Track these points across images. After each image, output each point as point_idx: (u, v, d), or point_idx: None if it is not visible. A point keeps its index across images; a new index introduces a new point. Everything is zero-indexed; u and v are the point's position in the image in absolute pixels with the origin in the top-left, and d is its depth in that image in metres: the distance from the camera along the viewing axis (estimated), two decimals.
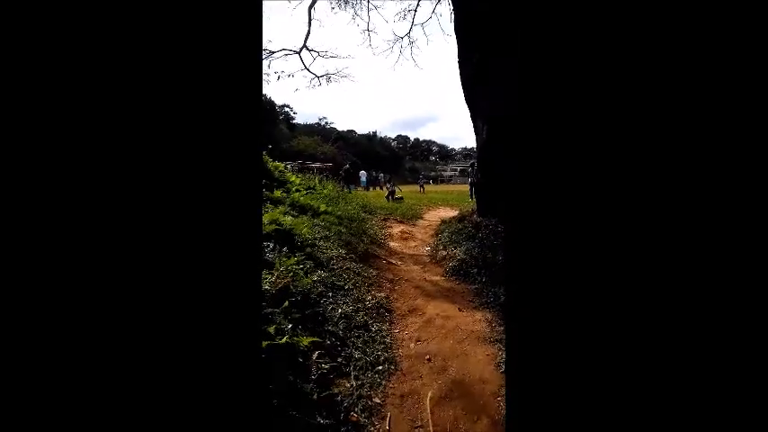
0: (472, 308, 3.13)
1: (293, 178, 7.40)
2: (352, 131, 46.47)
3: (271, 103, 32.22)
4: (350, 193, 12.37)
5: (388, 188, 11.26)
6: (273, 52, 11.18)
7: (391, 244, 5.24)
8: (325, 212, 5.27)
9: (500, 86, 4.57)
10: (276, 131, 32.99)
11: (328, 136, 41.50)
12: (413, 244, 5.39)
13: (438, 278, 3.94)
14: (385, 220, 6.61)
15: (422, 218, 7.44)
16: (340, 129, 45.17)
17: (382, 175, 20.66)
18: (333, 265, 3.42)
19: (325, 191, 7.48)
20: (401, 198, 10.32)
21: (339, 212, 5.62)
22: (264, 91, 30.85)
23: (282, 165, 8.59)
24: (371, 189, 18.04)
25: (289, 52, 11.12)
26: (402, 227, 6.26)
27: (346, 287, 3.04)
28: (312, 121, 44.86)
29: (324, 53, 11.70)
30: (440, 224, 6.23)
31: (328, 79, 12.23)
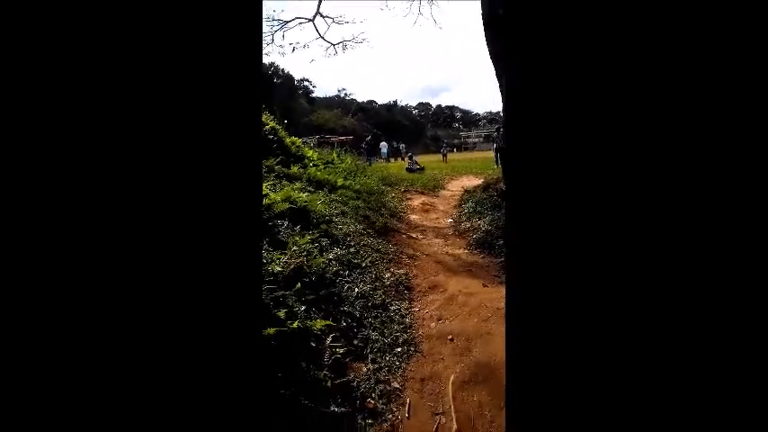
0: (498, 283, 2.93)
1: (310, 153, 7.25)
2: (372, 102, 45.46)
3: (289, 78, 31.74)
4: (370, 165, 12.14)
5: (408, 161, 10.89)
6: (287, 22, 10.78)
7: (412, 217, 5.05)
8: (343, 186, 5.11)
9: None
10: (295, 106, 32.71)
11: (348, 108, 40.89)
12: (434, 216, 5.18)
13: (461, 251, 3.74)
14: (406, 191, 6.39)
15: (444, 188, 7.14)
16: (360, 100, 44.35)
17: (403, 145, 20.11)
18: (350, 241, 3.29)
19: (343, 164, 7.30)
20: (422, 168, 9.97)
21: (358, 186, 5.45)
22: (282, 65, 30.41)
23: (300, 140, 8.46)
24: (393, 160, 17.64)
25: (303, 20, 10.66)
26: (423, 198, 6.03)
27: (363, 265, 2.92)
28: (332, 93, 44.07)
29: (339, 19, 11.13)
30: (463, 194, 5.95)
31: (344, 47, 11.71)
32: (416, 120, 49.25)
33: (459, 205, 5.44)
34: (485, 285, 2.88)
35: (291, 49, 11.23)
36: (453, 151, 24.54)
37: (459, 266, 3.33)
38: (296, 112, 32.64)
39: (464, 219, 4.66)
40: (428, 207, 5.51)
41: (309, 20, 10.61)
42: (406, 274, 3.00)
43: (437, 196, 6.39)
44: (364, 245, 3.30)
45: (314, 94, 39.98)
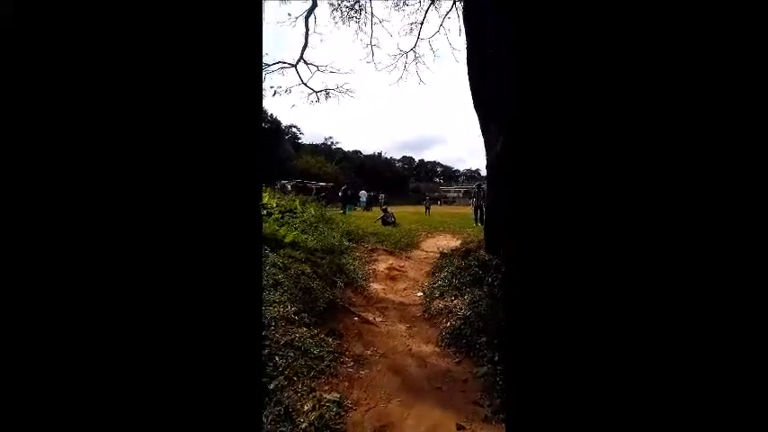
0: (480, 420, 1.86)
1: (269, 200, 6.27)
2: (357, 152, 46.07)
3: (276, 123, 31.76)
4: (345, 213, 11.19)
5: (382, 213, 9.93)
6: (269, 65, 10.39)
7: (374, 287, 4.00)
8: (293, 244, 4.08)
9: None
10: (281, 150, 32.44)
11: (334, 156, 41.22)
12: (402, 286, 4.14)
13: (429, 349, 2.67)
14: (373, 250, 5.39)
15: (418, 247, 6.18)
16: (346, 149, 44.93)
17: (382, 195, 19.52)
18: (271, 334, 2.20)
19: (305, 215, 6.32)
20: (395, 223, 9.08)
21: (313, 243, 4.43)
22: (270, 110, 30.58)
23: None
24: (372, 209, 16.88)
25: (285, 65, 10.29)
26: (392, 260, 5.02)
27: (273, 386, 1.81)
28: (319, 140, 44.56)
29: (323, 67, 10.87)
30: (439, 258, 4.99)
31: (327, 95, 11.36)
32: (400, 172, 50.08)
33: (433, 273, 4.45)
34: (461, 428, 1.80)
35: (272, 93, 10.73)
36: (438, 204, 24.18)
37: (424, 381, 2.24)
38: (281, 156, 32.32)
39: (437, 294, 3.64)
40: (396, 273, 4.49)
41: (292, 65, 10.26)
42: (340, 404, 1.88)
43: (409, 258, 5.40)
44: (288, 343, 2.21)
45: (301, 140, 40.17)
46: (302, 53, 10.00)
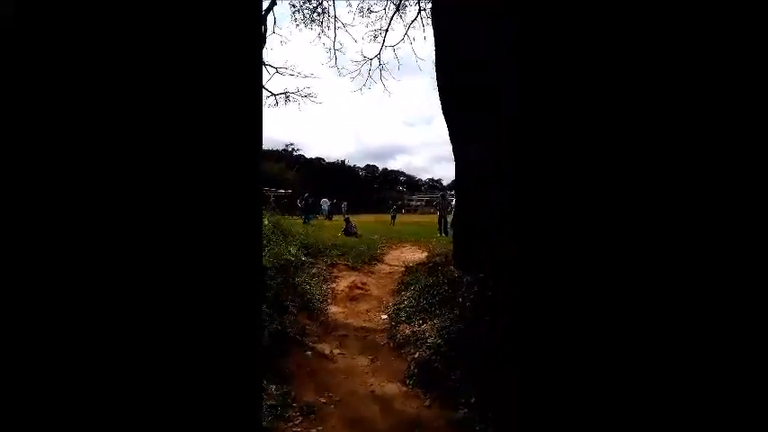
0: None
1: None
2: (320, 159, 45.24)
3: None
4: (306, 223, 10.53)
5: (345, 223, 9.38)
6: None
7: (332, 310, 3.53)
8: None
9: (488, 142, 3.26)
10: None
11: (294, 163, 40.18)
12: (364, 307, 3.71)
13: (395, 389, 2.27)
14: (333, 266, 4.90)
15: (382, 261, 5.78)
16: (308, 156, 43.98)
17: (345, 204, 18.97)
18: None
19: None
20: (356, 233, 8.64)
21: (265, 258, 3.89)
22: None
23: None
24: (333, 218, 16.29)
25: None
26: (353, 277, 4.57)
27: None
28: (279, 147, 43.19)
29: (282, 69, 10.26)
30: (404, 273, 4.63)
31: (287, 98, 10.77)
32: (363, 180, 49.91)
33: (399, 291, 4.07)
34: None
35: None
36: (402, 212, 24.06)
37: None
38: None
39: (403, 317, 3.26)
40: (358, 293, 4.05)
41: None
42: None
43: (372, 273, 4.98)
44: None
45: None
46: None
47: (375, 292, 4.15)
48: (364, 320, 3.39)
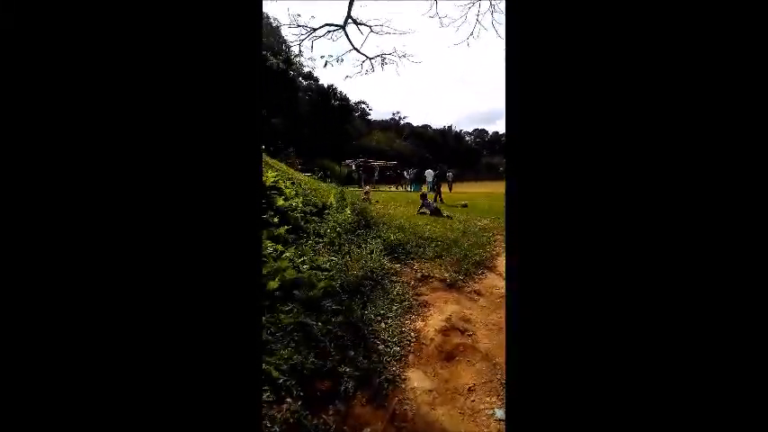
0: None
1: (293, 196, 4.68)
2: (426, 126, 43.06)
3: (346, 100, 30.52)
4: (411, 190, 9.24)
5: (421, 201, 7.06)
6: (315, 29, 8.67)
7: (412, 382, 2.11)
8: (291, 286, 2.40)
9: None
10: (350, 128, 31.38)
11: (402, 132, 39.17)
12: (465, 378, 2.18)
13: None
14: (422, 280, 3.45)
15: (494, 269, 4.02)
16: (415, 124, 42.32)
17: (450, 173, 16.91)
18: None
19: (342, 215, 4.61)
20: (441, 212, 6.74)
21: (324, 282, 2.71)
22: (340, 87, 29.37)
23: (272, 177, 6.00)
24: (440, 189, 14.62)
25: (332, 28, 8.46)
26: (451, 304, 3.04)
27: None
28: (387, 116, 42.51)
29: (376, 26, 8.77)
30: None
31: (383, 61, 9.31)
32: (471, 146, 45.90)
33: None
34: None
35: (324, 64, 9.09)
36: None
37: None
38: (350, 134, 31.38)
39: None
40: (457, 342, 2.52)
41: (340, 26, 8.36)
42: None
43: (478, 294, 3.34)
44: None
45: (370, 117, 38.59)
46: (349, 10, 8.01)
47: (484, 341, 2.56)
48: (462, 413, 1.88)
